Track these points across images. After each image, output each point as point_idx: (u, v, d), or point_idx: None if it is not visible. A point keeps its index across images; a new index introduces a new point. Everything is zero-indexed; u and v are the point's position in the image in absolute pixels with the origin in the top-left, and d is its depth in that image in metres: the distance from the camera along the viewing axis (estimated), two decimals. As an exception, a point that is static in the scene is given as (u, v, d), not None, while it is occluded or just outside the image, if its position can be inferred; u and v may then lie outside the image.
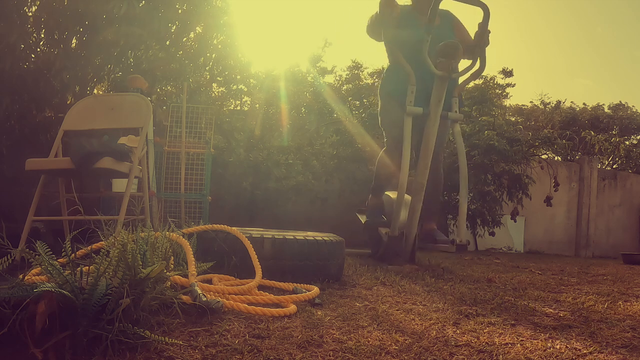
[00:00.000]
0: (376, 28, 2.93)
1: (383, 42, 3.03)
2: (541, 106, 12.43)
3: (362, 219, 3.61)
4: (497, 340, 1.33)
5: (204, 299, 1.39)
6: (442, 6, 2.73)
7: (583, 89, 25.69)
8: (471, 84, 7.12)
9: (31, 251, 1.20)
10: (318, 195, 5.94)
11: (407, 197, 2.85)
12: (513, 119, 10.19)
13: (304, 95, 6.91)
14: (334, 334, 1.33)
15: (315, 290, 1.76)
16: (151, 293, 1.27)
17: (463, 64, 2.81)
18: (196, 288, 1.43)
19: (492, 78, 7.40)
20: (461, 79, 2.90)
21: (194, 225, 2.07)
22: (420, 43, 2.65)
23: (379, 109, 3.19)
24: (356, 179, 6.03)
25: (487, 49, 2.75)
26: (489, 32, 2.72)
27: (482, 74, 2.99)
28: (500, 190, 5.94)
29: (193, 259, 1.62)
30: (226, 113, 6.18)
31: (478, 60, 2.78)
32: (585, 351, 1.26)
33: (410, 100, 2.74)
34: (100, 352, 1.07)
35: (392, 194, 3.36)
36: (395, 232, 2.81)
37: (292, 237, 2.08)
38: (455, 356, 1.21)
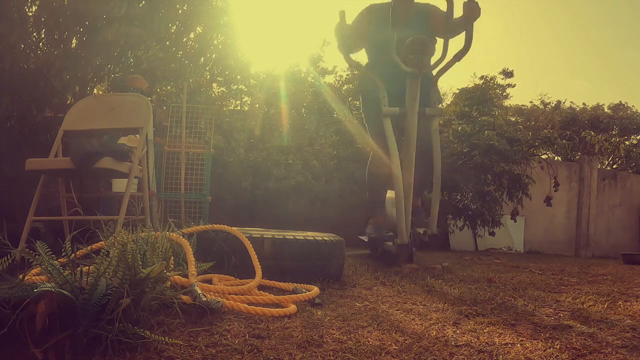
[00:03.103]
0: (346, 40, 2.85)
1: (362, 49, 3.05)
2: (541, 106, 12.44)
3: (365, 238, 3.48)
4: (497, 340, 1.33)
5: (204, 299, 1.39)
6: None
7: (580, 90, 25.72)
8: (471, 84, 7.11)
9: (31, 251, 1.20)
10: (318, 195, 5.94)
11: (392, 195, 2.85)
12: (513, 119, 10.19)
13: (304, 95, 6.91)
14: (334, 334, 1.33)
15: (315, 290, 1.76)
16: (151, 293, 1.27)
17: (452, 47, 2.70)
18: (196, 288, 1.43)
19: (493, 78, 7.41)
20: (441, 66, 2.80)
21: (194, 225, 2.07)
22: (387, 42, 2.62)
23: (361, 107, 3.19)
24: (356, 179, 6.02)
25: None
26: (476, 2, 2.53)
27: (464, 55, 2.70)
28: (500, 190, 5.94)
29: (193, 259, 1.62)
30: (226, 113, 6.18)
31: (464, 40, 2.62)
32: (585, 351, 1.26)
33: (384, 104, 2.71)
34: (100, 352, 1.07)
35: (390, 206, 3.31)
36: (404, 239, 2.68)
37: (292, 237, 2.07)
38: (455, 356, 1.21)
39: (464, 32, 2.60)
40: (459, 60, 2.68)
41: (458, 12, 2.64)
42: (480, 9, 2.51)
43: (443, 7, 2.76)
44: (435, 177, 2.80)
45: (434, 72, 2.81)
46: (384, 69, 2.80)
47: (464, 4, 2.54)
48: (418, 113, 2.70)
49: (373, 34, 2.92)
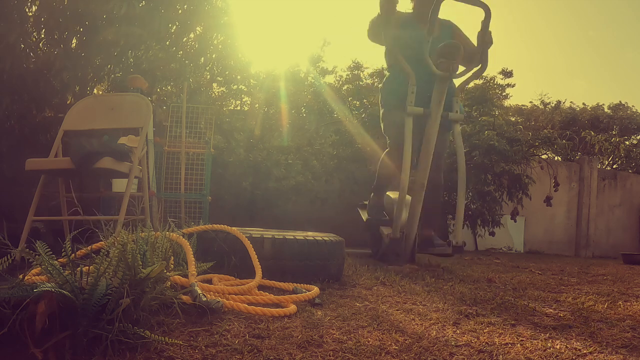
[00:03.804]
0: (377, 30, 2.93)
1: (384, 46, 3.05)
2: (541, 106, 12.43)
3: (364, 215, 3.62)
4: (497, 340, 1.33)
5: (204, 299, 1.39)
6: (443, 15, 2.78)
7: (579, 90, 25.74)
8: (471, 84, 7.12)
9: (31, 251, 1.20)
10: (318, 195, 5.94)
11: (408, 197, 2.85)
12: (513, 119, 10.18)
13: (304, 95, 6.90)
14: (334, 334, 1.33)
15: (315, 290, 1.76)
16: (151, 293, 1.27)
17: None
18: (196, 288, 1.43)
19: (492, 78, 7.38)
20: (462, 79, 2.91)
21: (194, 225, 2.07)
22: (420, 44, 2.66)
23: (380, 116, 3.19)
24: (356, 179, 6.03)
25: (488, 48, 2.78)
26: (490, 32, 2.74)
27: (483, 74, 3.01)
28: (500, 190, 5.94)
29: (193, 259, 1.61)
30: (226, 113, 6.18)
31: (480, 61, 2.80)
32: (585, 351, 1.26)
33: (410, 101, 2.74)
34: (100, 352, 1.07)
35: (393, 194, 3.36)
36: (397, 233, 2.81)
37: (292, 237, 2.07)
38: (455, 356, 1.21)
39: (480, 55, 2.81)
40: (477, 78, 3.08)
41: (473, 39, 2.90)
42: (492, 39, 2.78)
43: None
44: (460, 183, 2.83)
45: (457, 82, 2.92)
46: (412, 68, 2.82)
47: (479, 33, 2.76)
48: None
49: (403, 34, 2.93)
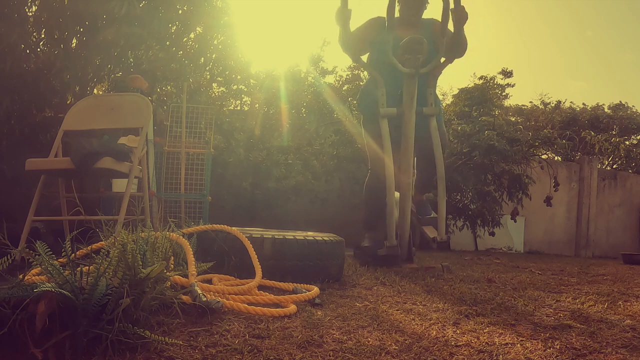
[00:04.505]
0: (346, 45, 2.84)
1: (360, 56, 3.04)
2: (541, 106, 12.42)
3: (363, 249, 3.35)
4: (497, 340, 1.33)
5: (204, 299, 1.38)
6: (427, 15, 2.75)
7: (579, 90, 25.74)
8: (471, 84, 7.11)
9: (31, 251, 1.20)
10: (318, 195, 5.94)
11: (397, 194, 2.83)
12: (513, 119, 10.18)
13: (304, 95, 6.90)
14: (334, 334, 1.33)
15: (315, 290, 1.76)
16: (151, 293, 1.27)
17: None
18: (196, 288, 1.43)
19: (492, 78, 7.39)
20: (439, 67, 2.84)
21: (194, 225, 2.07)
22: (385, 45, 2.65)
23: (362, 132, 3.17)
24: (356, 179, 6.03)
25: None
26: (463, 7, 2.63)
27: (458, 57, 2.82)
28: (500, 190, 5.94)
29: (193, 259, 1.61)
30: (226, 113, 6.18)
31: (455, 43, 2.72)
32: (585, 351, 1.26)
33: (382, 103, 2.72)
34: (100, 352, 1.07)
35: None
36: (392, 241, 2.72)
37: (292, 237, 2.07)
38: (455, 356, 1.21)
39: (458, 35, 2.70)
40: (450, 62, 2.82)
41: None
42: (467, 13, 2.64)
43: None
44: (439, 177, 2.77)
45: (423, 70, 2.74)
46: (381, 70, 2.81)
47: (451, 10, 2.63)
48: (417, 113, 2.70)
49: (372, 38, 2.94)
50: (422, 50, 2.55)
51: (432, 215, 3.11)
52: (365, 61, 3.01)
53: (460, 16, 2.63)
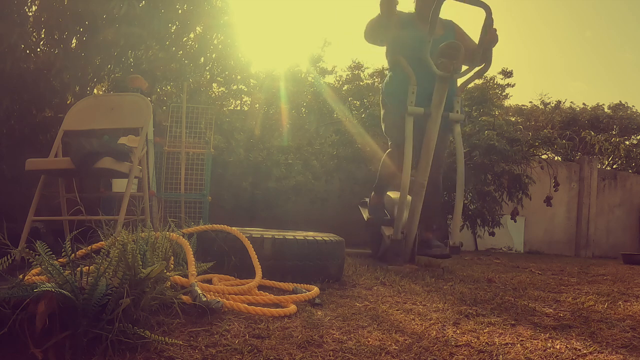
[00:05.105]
0: (377, 30, 2.93)
1: (384, 46, 3.05)
2: (541, 106, 12.41)
3: (365, 213, 3.61)
4: (497, 340, 1.33)
5: (204, 299, 1.38)
6: (444, 15, 2.77)
7: (578, 90, 25.73)
8: (471, 84, 7.11)
9: (31, 251, 1.20)
10: (318, 195, 5.93)
11: (408, 197, 2.85)
12: (513, 119, 10.17)
13: (304, 95, 6.89)
14: (334, 334, 1.33)
15: (315, 290, 1.76)
16: (151, 293, 1.27)
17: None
18: (196, 288, 1.43)
19: (492, 78, 7.38)
20: (464, 79, 2.91)
21: (194, 225, 2.07)
22: (421, 44, 2.66)
23: (381, 117, 3.18)
24: (356, 179, 6.02)
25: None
26: (495, 30, 2.76)
27: (485, 73, 3.01)
28: (500, 190, 5.93)
29: (193, 259, 1.61)
30: (226, 113, 6.17)
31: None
32: (585, 351, 1.26)
33: (411, 101, 2.75)
34: (100, 352, 1.07)
35: (393, 194, 3.36)
36: (398, 235, 2.82)
37: (292, 237, 2.07)
38: (455, 356, 1.21)
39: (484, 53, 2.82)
40: (479, 77, 2.93)
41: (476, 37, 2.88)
42: (497, 36, 2.78)
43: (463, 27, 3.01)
44: (459, 184, 2.83)
45: (459, 82, 2.91)
46: (413, 68, 2.81)
47: (482, 32, 2.76)
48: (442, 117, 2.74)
49: (403, 34, 2.93)
50: (458, 57, 2.61)
51: (440, 244, 3.06)
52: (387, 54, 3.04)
53: (492, 39, 2.77)
